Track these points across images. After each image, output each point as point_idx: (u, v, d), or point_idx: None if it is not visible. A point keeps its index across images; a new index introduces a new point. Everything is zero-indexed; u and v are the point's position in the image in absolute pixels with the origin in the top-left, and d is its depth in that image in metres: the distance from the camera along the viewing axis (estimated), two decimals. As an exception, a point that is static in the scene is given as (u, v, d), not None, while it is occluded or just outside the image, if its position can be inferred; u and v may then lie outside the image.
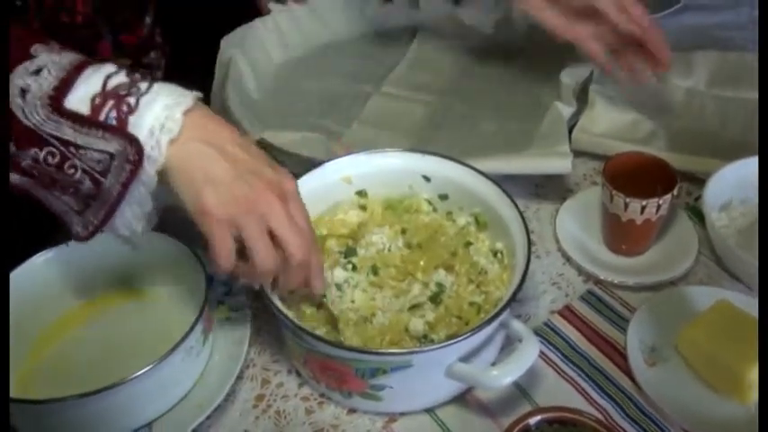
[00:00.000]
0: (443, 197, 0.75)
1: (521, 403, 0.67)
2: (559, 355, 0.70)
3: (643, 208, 0.73)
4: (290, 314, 0.61)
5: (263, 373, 0.70)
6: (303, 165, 0.74)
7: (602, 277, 0.76)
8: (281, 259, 0.59)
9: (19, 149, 0.54)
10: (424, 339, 0.65)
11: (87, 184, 0.55)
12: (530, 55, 1.04)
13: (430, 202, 0.76)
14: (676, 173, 0.75)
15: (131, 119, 0.55)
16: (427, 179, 0.75)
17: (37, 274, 0.69)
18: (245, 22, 1.02)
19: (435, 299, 0.67)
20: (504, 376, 0.61)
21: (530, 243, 0.66)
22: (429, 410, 0.66)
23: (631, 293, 0.75)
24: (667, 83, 0.96)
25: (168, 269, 0.71)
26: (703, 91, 0.96)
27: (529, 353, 0.61)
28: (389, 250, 0.71)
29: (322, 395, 0.68)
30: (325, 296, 0.67)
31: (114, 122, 0.54)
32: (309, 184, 0.72)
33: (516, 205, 0.69)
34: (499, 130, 0.93)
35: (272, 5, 1.05)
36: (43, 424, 0.61)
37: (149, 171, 0.56)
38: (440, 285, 0.68)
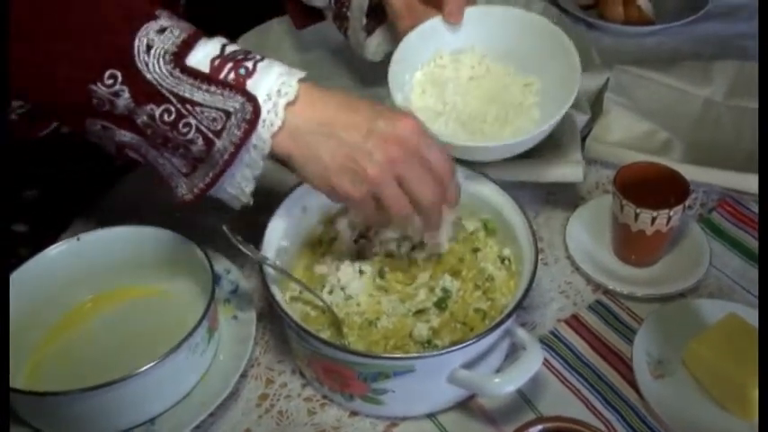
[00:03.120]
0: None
1: (524, 411, 0.66)
2: (564, 364, 0.70)
3: (653, 219, 0.72)
4: (295, 316, 0.62)
5: (267, 373, 0.70)
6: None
7: (610, 287, 0.75)
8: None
9: (137, 105, 0.55)
10: (428, 345, 0.65)
11: (199, 144, 0.56)
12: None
13: (439, 207, 0.76)
14: (689, 184, 0.74)
15: (249, 82, 0.56)
16: (437, 184, 0.75)
17: (49, 266, 0.70)
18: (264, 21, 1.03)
19: (441, 304, 0.67)
20: (506, 384, 0.60)
21: (537, 251, 0.65)
22: (431, 416, 0.66)
23: (640, 304, 0.75)
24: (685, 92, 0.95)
25: (178, 267, 0.72)
26: (720, 101, 0.95)
27: (532, 361, 0.61)
28: (399, 248, 0.71)
29: (325, 397, 0.68)
30: (330, 302, 0.67)
31: (233, 82, 0.56)
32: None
33: (525, 212, 0.69)
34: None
35: None
36: (48, 415, 0.62)
37: (264, 135, 0.57)
38: (445, 291, 0.68)
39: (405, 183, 0.59)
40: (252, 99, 0.56)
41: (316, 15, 0.89)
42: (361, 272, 0.69)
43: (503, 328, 0.61)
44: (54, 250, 0.70)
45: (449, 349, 0.60)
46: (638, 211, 0.72)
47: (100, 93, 0.55)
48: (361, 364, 0.60)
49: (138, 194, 0.86)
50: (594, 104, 0.91)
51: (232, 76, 0.56)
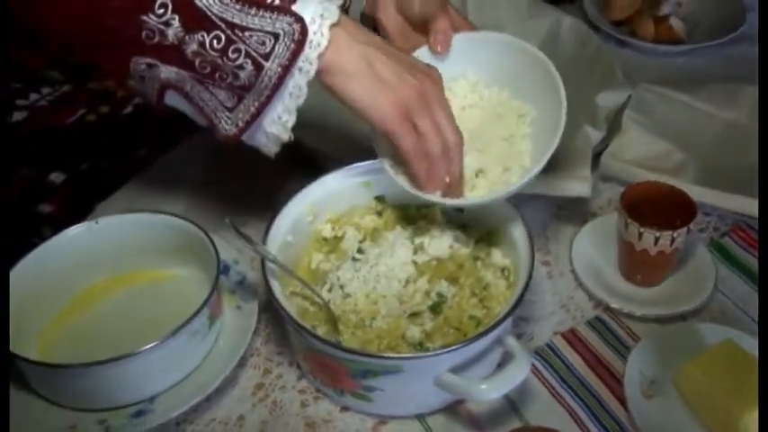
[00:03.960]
0: (459, 210, 0.76)
1: (510, 420, 0.67)
2: (557, 376, 0.71)
3: (657, 239, 0.72)
4: (291, 310, 0.64)
5: (265, 363, 0.73)
6: (336, 166, 0.76)
7: (612, 305, 0.76)
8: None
9: (187, 33, 0.57)
10: (420, 347, 0.66)
11: (249, 68, 0.58)
12: (572, 75, 1.03)
13: (444, 214, 0.77)
14: (696, 207, 0.74)
15: (294, 6, 0.59)
16: (444, 191, 0.76)
17: (67, 246, 0.73)
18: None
19: (435, 309, 0.68)
20: (491, 391, 0.61)
21: (532, 262, 0.66)
22: (419, 417, 0.68)
23: (640, 324, 0.75)
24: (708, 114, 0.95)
25: (189, 254, 0.74)
26: (745, 125, 0.94)
27: (519, 370, 0.62)
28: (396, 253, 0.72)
29: (318, 390, 0.70)
30: (329, 300, 0.69)
31: (280, 5, 0.58)
32: (329, 185, 0.75)
33: (526, 224, 0.70)
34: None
35: None
36: (55, 386, 0.66)
37: (311, 55, 0.59)
38: (441, 296, 0.69)
39: (435, 117, 0.64)
40: (299, 20, 0.58)
41: None
42: (360, 272, 0.71)
43: (492, 335, 0.62)
44: (73, 231, 0.73)
45: (436, 352, 0.61)
46: (641, 230, 0.72)
47: (151, 23, 0.56)
48: (350, 361, 0.62)
49: (160, 185, 0.89)
50: (613, 121, 0.91)
51: (277, 1, 0.58)
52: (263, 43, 0.58)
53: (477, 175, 0.72)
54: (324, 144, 0.83)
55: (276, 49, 0.58)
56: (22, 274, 0.69)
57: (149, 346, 0.63)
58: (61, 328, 0.73)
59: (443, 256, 0.73)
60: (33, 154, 0.82)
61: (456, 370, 0.63)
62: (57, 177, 0.84)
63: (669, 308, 0.75)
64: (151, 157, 0.89)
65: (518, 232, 0.70)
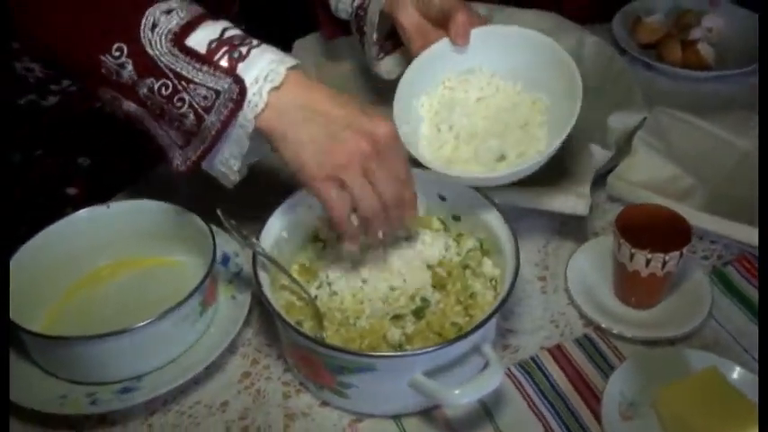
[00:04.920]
0: (456, 218, 0.78)
1: (485, 427, 0.68)
2: (536, 390, 0.71)
3: (648, 261, 0.72)
4: (276, 303, 0.66)
5: (254, 354, 0.75)
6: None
7: (602, 324, 0.76)
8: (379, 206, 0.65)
9: (139, 77, 0.62)
10: (399, 349, 0.68)
11: (191, 118, 0.63)
12: (591, 93, 1.03)
13: (442, 221, 0.78)
14: (691, 232, 0.73)
15: (241, 65, 0.62)
16: (443, 199, 0.78)
17: (78, 227, 0.77)
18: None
19: (418, 313, 0.70)
20: (462, 396, 0.62)
21: (516, 276, 0.67)
22: (395, 417, 0.69)
23: (628, 345, 0.75)
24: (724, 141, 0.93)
25: (192, 243, 0.77)
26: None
27: (492, 379, 0.63)
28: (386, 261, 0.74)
29: (301, 384, 0.72)
30: (316, 296, 0.71)
31: (225, 65, 0.62)
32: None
33: (515, 237, 0.71)
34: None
35: None
36: (50, 357, 0.69)
37: (248, 115, 0.63)
38: (425, 300, 0.71)
39: (370, 177, 0.63)
40: (239, 81, 0.61)
41: (344, 27, 0.93)
42: (349, 272, 0.72)
43: (467, 341, 0.63)
44: (84, 213, 0.77)
45: (407, 353, 0.63)
46: (633, 251, 0.72)
47: (108, 63, 0.62)
48: (326, 356, 0.64)
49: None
50: (625, 143, 0.91)
51: (226, 58, 0.62)
52: (206, 97, 0.62)
53: (498, 160, 0.76)
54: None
55: (216, 104, 0.62)
56: (34, 251, 0.74)
57: (137, 325, 0.66)
58: (67, 305, 0.76)
59: (433, 261, 0.74)
60: (63, 137, 0.87)
61: (432, 374, 0.64)
62: (84, 161, 0.89)
63: (659, 331, 0.75)
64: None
65: (507, 245, 0.71)
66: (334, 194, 0.64)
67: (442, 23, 0.80)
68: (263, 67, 0.62)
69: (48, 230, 0.75)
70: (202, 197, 0.88)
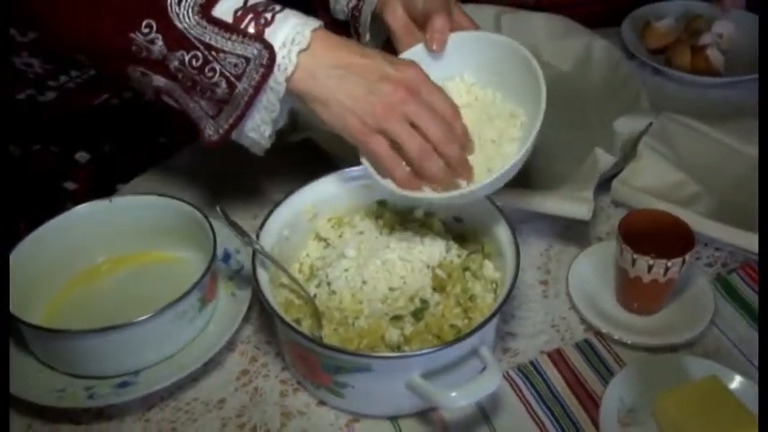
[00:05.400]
0: (458, 220, 0.77)
1: (481, 430, 0.68)
2: (535, 394, 0.71)
3: (650, 267, 0.72)
4: (273, 300, 0.66)
5: (253, 351, 0.75)
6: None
7: (602, 330, 0.75)
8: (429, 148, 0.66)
9: (169, 51, 0.63)
10: (397, 350, 0.67)
11: (223, 86, 0.64)
12: (598, 97, 1.03)
13: (444, 223, 0.78)
14: (694, 238, 0.73)
15: (267, 30, 0.64)
16: (445, 200, 0.77)
17: (78, 221, 0.77)
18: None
19: (417, 314, 0.70)
20: (459, 399, 0.62)
21: (515, 279, 0.67)
22: (392, 419, 0.69)
23: (629, 351, 0.74)
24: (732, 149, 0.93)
25: (193, 239, 0.77)
26: (770, 162, 0.92)
27: (488, 382, 0.63)
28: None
29: (298, 383, 0.72)
30: (315, 295, 0.71)
31: (252, 31, 0.64)
32: (331, 185, 0.77)
33: (516, 241, 0.70)
34: (545, 167, 0.93)
35: None
36: (49, 350, 0.70)
37: (279, 78, 0.64)
38: (424, 302, 0.70)
39: (414, 121, 0.65)
40: (268, 46, 0.63)
41: (345, 28, 0.92)
42: (349, 271, 0.72)
43: (464, 343, 0.63)
44: (84, 208, 0.77)
45: (404, 354, 0.62)
46: (635, 256, 0.72)
47: (138, 40, 0.63)
48: (322, 355, 0.64)
49: (179, 173, 0.93)
50: (630, 148, 0.90)
51: (252, 25, 0.63)
52: (236, 65, 0.63)
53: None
54: (340, 149, 0.85)
55: (247, 70, 0.63)
56: (33, 245, 0.74)
57: (136, 320, 0.66)
58: (67, 298, 0.77)
59: (433, 263, 0.74)
60: (61, 133, 0.87)
61: (429, 376, 0.64)
62: (81, 157, 0.89)
63: (660, 338, 0.74)
64: (172, 146, 0.93)
65: (508, 249, 0.70)
66: (383, 148, 0.65)
67: (423, 26, 0.78)
68: (289, 31, 0.63)
69: (48, 225, 0.75)
70: (204, 193, 0.90)
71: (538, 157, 0.95)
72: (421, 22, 0.79)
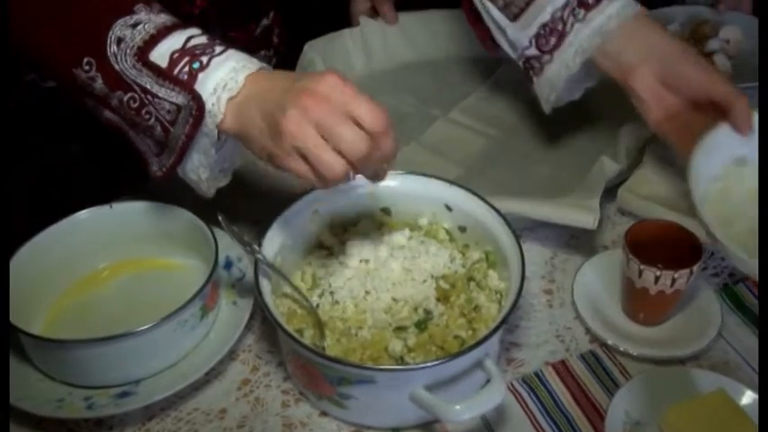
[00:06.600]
0: (462, 229, 0.77)
1: (485, 443, 0.67)
2: (540, 406, 0.70)
3: (657, 278, 0.71)
4: (275, 310, 0.65)
5: (255, 360, 0.74)
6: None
7: (608, 341, 0.74)
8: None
9: (110, 90, 0.64)
10: (401, 361, 0.66)
11: (159, 130, 0.64)
12: (606, 104, 1.02)
13: (448, 232, 0.77)
14: (702, 249, 0.72)
15: (201, 75, 0.63)
16: (449, 209, 0.76)
17: (79, 227, 0.76)
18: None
19: (420, 325, 0.69)
20: (463, 412, 0.61)
21: (520, 291, 0.66)
22: (395, 430, 0.68)
23: (635, 363, 0.73)
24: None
25: (194, 246, 0.76)
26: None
27: (492, 395, 0.62)
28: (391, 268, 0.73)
29: (301, 393, 0.71)
30: (318, 305, 0.71)
31: (185, 77, 0.63)
32: (335, 193, 0.75)
33: (521, 250, 0.69)
34: (550, 175, 0.92)
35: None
36: (48, 360, 0.69)
37: (210, 125, 0.63)
38: (427, 312, 0.70)
39: (326, 133, 0.58)
40: (196, 98, 0.62)
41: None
42: (352, 281, 0.71)
43: (469, 356, 0.62)
44: (85, 213, 0.76)
45: (408, 366, 0.62)
46: (641, 267, 0.71)
47: (81, 77, 0.64)
48: (325, 366, 0.63)
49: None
50: (636, 155, 0.89)
51: (186, 70, 0.62)
52: (169, 111, 0.63)
53: None
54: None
55: (179, 118, 0.63)
56: (34, 251, 0.73)
57: (136, 330, 0.65)
58: (68, 304, 0.76)
59: (437, 273, 0.73)
60: (62, 127, 0.87)
61: (433, 388, 0.63)
62: (75, 149, 0.89)
63: (667, 350, 0.73)
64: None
65: (513, 257, 0.70)
66: (301, 168, 0.60)
67: (698, 106, 0.76)
68: (223, 77, 0.62)
69: (49, 230, 0.74)
70: (207, 201, 0.88)
71: (543, 165, 0.95)
72: (693, 102, 0.76)
